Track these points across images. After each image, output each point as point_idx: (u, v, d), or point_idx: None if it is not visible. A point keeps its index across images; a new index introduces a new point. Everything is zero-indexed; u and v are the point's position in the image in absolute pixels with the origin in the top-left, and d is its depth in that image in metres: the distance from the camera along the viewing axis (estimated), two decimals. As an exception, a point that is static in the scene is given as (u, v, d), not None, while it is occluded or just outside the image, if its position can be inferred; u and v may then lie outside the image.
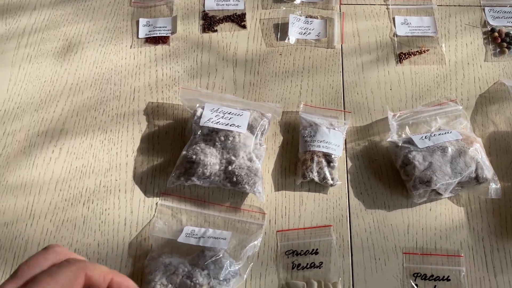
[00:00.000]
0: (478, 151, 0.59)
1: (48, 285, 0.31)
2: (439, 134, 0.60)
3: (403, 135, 0.62)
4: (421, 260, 0.57)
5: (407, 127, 0.63)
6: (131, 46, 0.71)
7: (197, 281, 0.53)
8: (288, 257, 0.57)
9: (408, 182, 0.59)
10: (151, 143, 0.64)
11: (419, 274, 0.56)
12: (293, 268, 0.56)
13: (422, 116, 0.63)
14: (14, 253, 0.57)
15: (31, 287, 0.31)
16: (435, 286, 0.56)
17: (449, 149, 0.58)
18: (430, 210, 0.59)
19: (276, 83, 0.67)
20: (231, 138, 0.59)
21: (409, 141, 0.60)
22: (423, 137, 0.60)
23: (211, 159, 0.58)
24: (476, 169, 0.58)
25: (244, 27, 0.71)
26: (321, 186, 0.60)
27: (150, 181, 0.61)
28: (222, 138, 0.59)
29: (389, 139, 0.61)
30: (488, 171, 0.58)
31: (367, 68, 0.68)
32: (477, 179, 0.58)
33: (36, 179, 0.62)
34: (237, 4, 0.73)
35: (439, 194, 0.58)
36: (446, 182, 0.57)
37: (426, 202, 0.59)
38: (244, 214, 0.59)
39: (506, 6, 0.72)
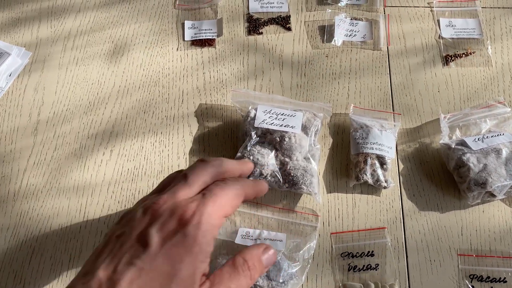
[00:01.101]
0: None
1: (220, 197, 0.38)
2: (492, 136, 0.60)
3: (454, 137, 0.62)
4: (476, 261, 0.57)
5: (457, 129, 0.63)
6: (177, 49, 0.71)
7: (258, 283, 0.53)
8: (343, 259, 0.57)
9: (462, 184, 0.59)
10: (201, 145, 0.64)
11: (475, 276, 0.56)
12: (349, 270, 0.57)
13: (472, 118, 0.63)
14: (69, 254, 0.58)
15: (206, 194, 0.38)
16: (492, 287, 0.56)
17: (503, 151, 0.59)
18: (483, 212, 0.59)
19: (324, 85, 0.68)
20: (286, 139, 0.59)
21: (462, 143, 0.60)
22: (476, 139, 0.60)
23: (268, 160, 0.59)
24: None
25: (289, 29, 0.72)
26: (374, 188, 0.61)
27: (202, 183, 0.62)
28: (278, 139, 0.60)
29: (441, 141, 0.61)
30: None
31: (414, 70, 0.68)
32: None
33: (88, 181, 0.62)
34: (281, 7, 0.73)
35: (493, 195, 0.58)
36: (501, 184, 0.57)
37: (479, 204, 0.60)
38: (298, 216, 0.60)
39: (551, 8, 0.72)
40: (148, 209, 0.38)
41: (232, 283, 0.38)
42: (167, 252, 0.35)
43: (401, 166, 0.62)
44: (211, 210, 0.37)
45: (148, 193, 0.59)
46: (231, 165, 0.43)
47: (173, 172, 0.44)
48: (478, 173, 0.57)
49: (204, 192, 0.39)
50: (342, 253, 0.57)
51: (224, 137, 0.64)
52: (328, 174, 0.62)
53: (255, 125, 0.60)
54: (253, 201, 0.60)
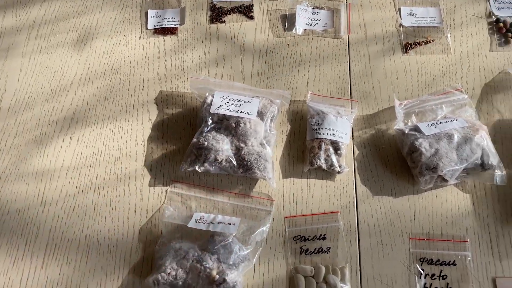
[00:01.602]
0: (483, 138, 0.59)
1: None
2: (445, 122, 0.61)
3: (410, 123, 0.63)
4: (427, 245, 0.58)
5: (413, 116, 0.63)
6: (140, 37, 0.72)
7: (207, 265, 0.54)
8: (296, 243, 0.58)
9: (415, 169, 0.59)
10: (160, 131, 0.65)
11: (425, 259, 0.57)
12: (301, 253, 0.57)
13: (428, 104, 0.64)
14: (26, 239, 0.58)
15: None
16: (441, 270, 0.56)
17: (455, 136, 0.59)
18: (436, 196, 0.60)
19: (284, 73, 0.68)
20: (242, 125, 0.60)
21: (416, 129, 0.61)
22: (429, 125, 0.61)
23: (222, 145, 0.59)
24: (482, 156, 0.58)
25: (251, 18, 0.72)
26: (328, 173, 0.61)
27: (159, 168, 0.62)
28: (233, 125, 0.60)
29: (395, 127, 0.62)
30: (493, 158, 0.59)
31: (373, 58, 0.69)
32: (483, 166, 0.58)
33: (47, 167, 0.63)
34: (244, -4, 0.74)
35: (445, 180, 0.59)
36: (452, 168, 0.57)
37: (433, 189, 0.60)
38: (253, 200, 0.60)
39: (511, -3, 0.72)
40: None
41: None
42: None
43: (357, 152, 0.63)
44: None
45: (104, 179, 0.60)
46: None
47: None
48: (429, 158, 0.58)
49: None
50: (295, 236, 0.58)
51: (183, 123, 0.65)
52: (285, 159, 0.63)
53: (211, 111, 0.61)
54: (209, 186, 0.61)
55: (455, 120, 0.61)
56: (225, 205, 0.60)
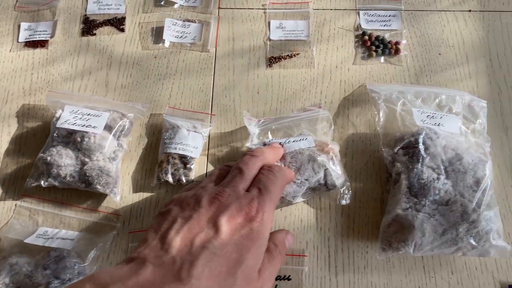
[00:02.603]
0: (328, 158, 0.59)
1: (273, 192, 0.47)
2: (293, 141, 0.60)
3: (266, 140, 0.63)
4: (267, 260, 0.58)
5: (269, 133, 0.63)
6: (10, 50, 0.72)
7: (36, 280, 0.54)
8: (136, 257, 0.58)
9: None
10: (18, 145, 0.65)
11: (261, 274, 0.57)
12: (139, 268, 0.57)
13: (286, 121, 0.64)
14: None
15: (262, 191, 0.46)
16: (276, 285, 0.57)
17: (299, 157, 0.58)
18: (281, 210, 0.60)
19: (148, 86, 0.68)
20: (86, 139, 0.60)
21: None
22: (278, 144, 0.59)
23: (65, 160, 0.59)
24: (325, 176, 0.58)
25: (122, 30, 0.72)
26: (180, 187, 0.61)
27: (12, 182, 0.62)
28: (79, 139, 0.60)
29: (247, 144, 0.61)
30: (337, 178, 0.58)
31: (238, 72, 0.69)
32: (326, 186, 0.58)
33: None
34: (118, 8, 0.74)
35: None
36: (293, 190, 0.57)
37: (282, 207, 0.60)
38: (100, 215, 0.60)
39: (381, 10, 0.73)
40: (214, 199, 0.43)
41: (272, 267, 0.44)
42: (237, 242, 0.41)
43: (210, 168, 0.63)
44: (268, 207, 0.44)
45: None
46: (271, 157, 0.53)
47: (223, 165, 0.52)
48: None
49: (259, 187, 0.46)
50: (136, 251, 0.58)
51: (41, 137, 0.65)
52: (138, 173, 0.63)
53: (57, 125, 0.61)
54: (58, 201, 0.61)
55: (304, 139, 0.60)
56: (71, 219, 0.61)
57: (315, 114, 0.64)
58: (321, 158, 0.58)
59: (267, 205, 0.44)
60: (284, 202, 0.59)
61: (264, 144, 0.60)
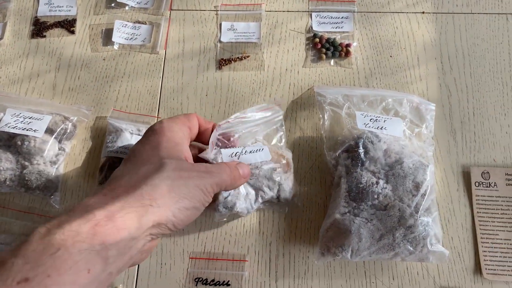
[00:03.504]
0: (284, 171, 0.57)
1: None
2: (250, 152, 0.56)
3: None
4: (206, 264, 0.58)
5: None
6: (-42, 52, 0.71)
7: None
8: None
9: (212, 203, 0.56)
10: (-39, 148, 0.64)
11: (200, 279, 0.57)
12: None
13: (247, 126, 0.58)
14: None
15: None
16: (215, 290, 0.56)
17: (256, 172, 0.56)
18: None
19: (96, 88, 0.68)
20: (26, 143, 0.59)
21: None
22: (233, 154, 0.55)
23: (5, 164, 0.59)
24: (278, 191, 0.57)
25: (72, 32, 0.72)
26: (120, 191, 0.61)
27: (-47, 187, 0.62)
28: (19, 143, 0.60)
29: (201, 155, 0.59)
30: (289, 192, 0.57)
31: (186, 74, 0.68)
32: (278, 199, 0.57)
33: None
34: (70, 10, 0.73)
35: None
36: (246, 206, 0.56)
37: (228, 220, 0.59)
38: (42, 220, 0.60)
39: (333, 12, 0.72)
40: None
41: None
42: None
43: (153, 170, 0.62)
44: None
45: None
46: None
47: None
48: (226, 198, 0.54)
49: None
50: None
51: (-15, 140, 0.64)
52: (81, 178, 0.62)
53: (-2, 129, 0.60)
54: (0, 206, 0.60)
55: (261, 150, 0.57)
56: (12, 224, 0.60)
57: (270, 117, 0.61)
58: (277, 174, 0.56)
59: None
60: (234, 215, 0.58)
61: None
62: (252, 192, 0.56)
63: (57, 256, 0.35)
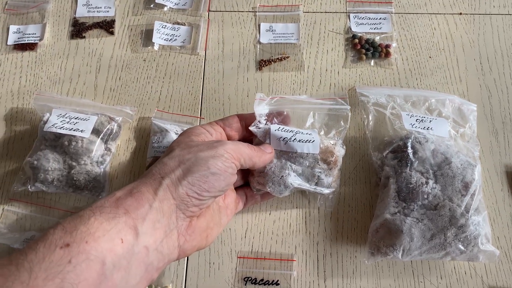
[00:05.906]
0: (328, 168, 0.56)
1: None
2: (299, 140, 0.55)
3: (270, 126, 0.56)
4: (254, 264, 0.58)
5: (274, 119, 0.57)
6: (-2, 53, 0.71)
7: None
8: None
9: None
10: (5, 149, 0.64)
11: (249, 278, 0.57)
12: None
13: (300, 107, 0.58)
14: None
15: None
16: (265, 290, 0.57)
17: (299, 160, 0.56)
18: (270, 214, 0.60)
19: (137, 89, 0.68)
20: (73, 143, 0.60)
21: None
22: (281, 138, 0.55)
23: (53, 165, 0.59)
24: (316, 184, 0.56)
25: (112, 33, 0.72)
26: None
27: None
28: (66, 143, 0.60)
29: (251, 127, 0.56)
30: (327, 188, 0.56)
31: (227, 75, 0.69)
32: (315, 190, 0.57)
33: None
34: (108, 11, 0.74)
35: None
36: (280, 189, 0.55)
37: (271, 211, 0.59)
38: (88, 219, 0.60)
39: (371, 13, 0.73)
40: None
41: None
42: None
43: (198, 170, 0.62)
44: None
45: None
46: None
47: None
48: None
49: None
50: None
51: (29, 141, 0.65)
52: (126, 177, 0.63)
53: (44, 129, 0.61)
54: (46, 205, 0.61)
55: (311, 141, 0.56)
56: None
57: (335, 108, 0.59)
58: (319, 169, 0.56)
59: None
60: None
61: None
62: (292, 174, 0.55)
63: (90, 223, 0.38)
